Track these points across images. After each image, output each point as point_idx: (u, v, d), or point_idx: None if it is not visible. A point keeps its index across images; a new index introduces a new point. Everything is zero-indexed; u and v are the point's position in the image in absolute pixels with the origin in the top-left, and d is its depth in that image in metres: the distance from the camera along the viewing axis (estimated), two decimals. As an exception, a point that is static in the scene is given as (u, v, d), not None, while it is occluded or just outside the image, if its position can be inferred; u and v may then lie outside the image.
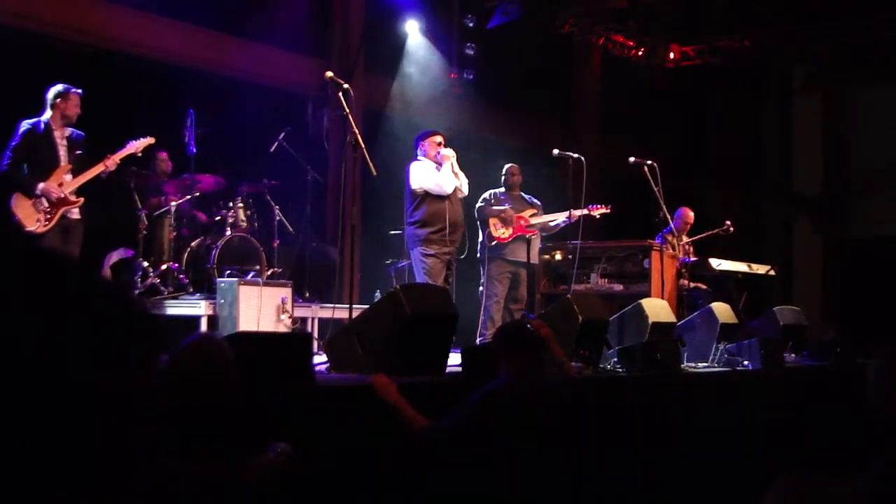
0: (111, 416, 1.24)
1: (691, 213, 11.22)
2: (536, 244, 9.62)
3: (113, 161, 7.87)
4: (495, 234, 9.37)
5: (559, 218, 9.65)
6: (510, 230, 9.41)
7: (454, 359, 6.26)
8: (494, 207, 9.51)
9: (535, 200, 9.79)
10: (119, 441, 1.26)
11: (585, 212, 9.61)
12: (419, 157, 8.68)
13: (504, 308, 9.29)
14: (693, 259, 10.59)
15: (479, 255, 9.45)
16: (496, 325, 8.85)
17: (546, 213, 9.71)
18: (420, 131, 9.13)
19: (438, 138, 8.73)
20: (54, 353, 1.19)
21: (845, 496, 2.39)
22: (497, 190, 9.73)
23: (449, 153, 8.57)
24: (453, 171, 8.56)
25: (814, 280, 18.47)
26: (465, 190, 8.81)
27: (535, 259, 9.57)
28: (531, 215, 9.57)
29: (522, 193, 9.81)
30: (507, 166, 9.90)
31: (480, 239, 9.48)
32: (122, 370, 1.26)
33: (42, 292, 1.21)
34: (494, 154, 10.88)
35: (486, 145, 12.29)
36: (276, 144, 9.66)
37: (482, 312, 9.29)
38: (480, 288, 9.49)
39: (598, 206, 9.79)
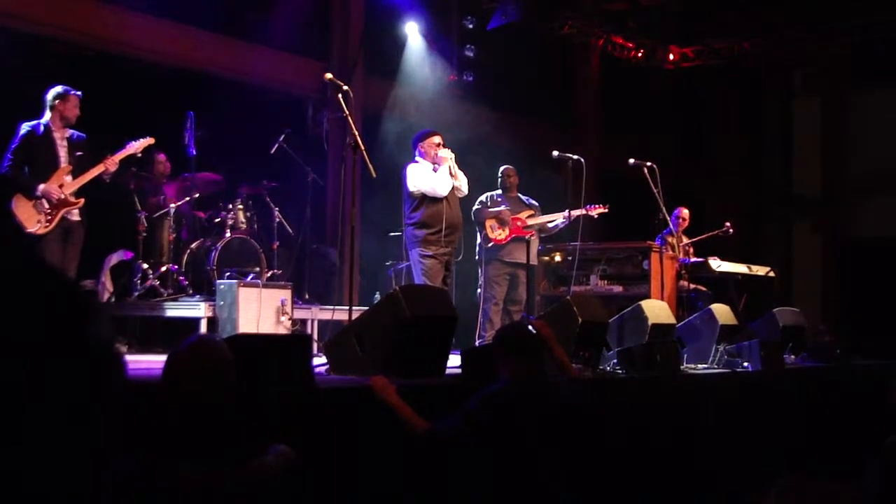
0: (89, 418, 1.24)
1: (686, 211, 11.24)
2: (535, 245, 9.60)
3: (112, 161, 7.87)
4: (492, 235, 9.35)
5: (557, 218, 9.64)
6: (506, 231, 9.39)
7: (454, 360, 6.26)
8: (490, 209, 9.49)
9: (533, 202, 9.78)
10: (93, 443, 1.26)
11: (583, 212, 9.60)
12: (417, 159, 8.63)
13: (503, 310, 9.28)
14: (694, 260, 10.60)
15: (476, 257, 9.44)
16: (495, 327, 8.84)
17: (545, 214, 9.70)
18: (418, 132, 9.07)
19: (437, 139, 8.65)
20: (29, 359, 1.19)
21: (845, 497, 2.40)
22: (494, 192, 9.72)
23: (447, 154, 8.51)
24: (452, 172, 8.51)
25: (813, 281, 18.46)
26: (465, 189, 8.77)
27: (533, 260, 9.55)
28: (528, 216, 9.55)
29: (520, 195, 9.80)
30: (503, 168, 9.89)
31: (478, 241, 9.47)
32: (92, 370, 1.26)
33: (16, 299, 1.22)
34: (494, 156, 10.87)
35: (486, 147, 12.28)
36: (275, 146, 9.65)
37: (480, 314, 9.28)
38: (479, 290, 9.48)
39: (596, 205, 9.77)
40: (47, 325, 1.24)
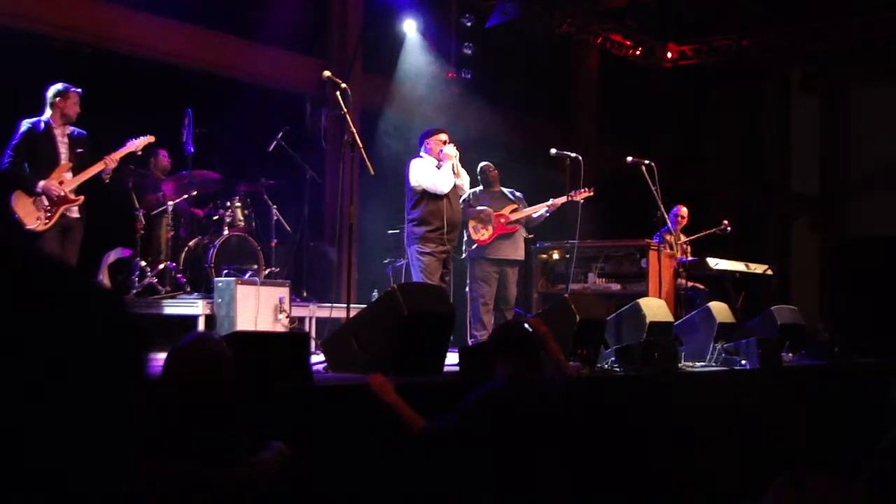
0: (107, 418, 1.25)
1: (685, 210, 11.22)
2: (521, 239, 9.53)
3: (112, 159, 7.86)
4: (475, 236, 9.23)
5: (541, 209, 9.55)
6: (489, 231, 9.29)
7: (451, 358, 6.26)
8: (472, 209, 9.35)
9: (517, 193, 9.65)
10: (118, 439, 1.27)
11: (566, 199, 9.51)
12: (422, 154, 8.61)
13: (495, 308, 9.19)
14: (691, 258, 10.59)
15: (462, 255, 9.35)
16: (485, 327, 8.83)
17: (530, 206, 9.59)
18: (426, 128, 8.99)
19: (443, 136, 8.61)
20: (51, 355, 1.20)
21: (843, 496, 2.40)
22: (476, 189, 9.59)
23: (451, 152, 8.47)
24: (454, 171, 8.49)
25: (811, 279, 18.48)
26: (467, 188, 8.76)
27: (520, 255, 9.47)
28: (512, 211, 9.46)
29: (503, 189, 9.67)
30: (481, 164, 9.72)
31: (465, 239, 9.38)
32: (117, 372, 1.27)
33: (37, 295, 1.22)
34: (492, 154, 10.85)
35: (484, 145, 12.29)
36: (274, 144, 9.65)
37: (469, 314, 9.19)
38: (467, 289, 9.40)
39: (581, 190, 9.59)
40: (78, 325, 1.24)
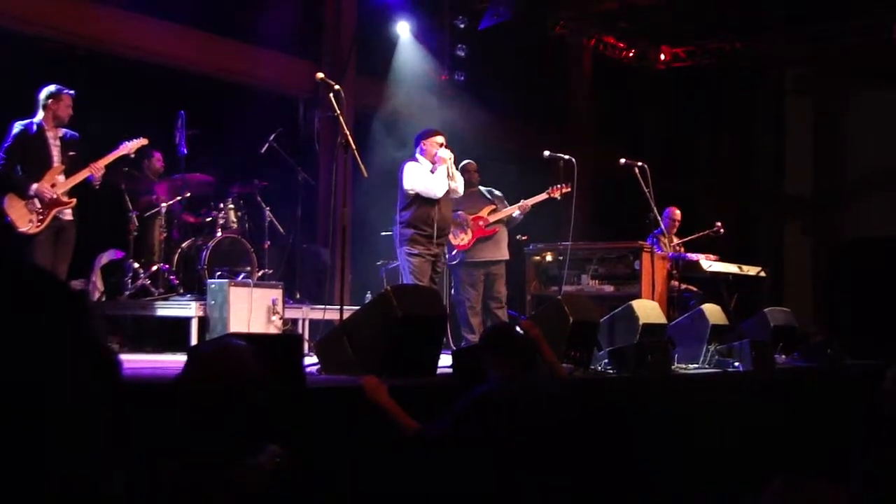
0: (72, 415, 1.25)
1: (678, 211, 11.22)
2: (504, 238, 9.44)
3: (97, 167, 7.79)
4: (455, 242, 9.12)
5: (515, 211, 9.45)
6: (469, 235, 9.20)
7: (444, 360, 6.26)
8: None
9: (496, 192, 9.56)
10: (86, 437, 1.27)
11: (545, 196, 9.43)
12: (417, 157, 8.54)
13: (484, 309, 9.14)
14: (687, 255, 10.57)
15: (446, 257, 9.24)
16: (473, 330, 8.80)
17: (511, 206, 9.47)
18: (422, 129, 8.89)
19: (440, 138, 8.49)
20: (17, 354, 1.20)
21: (837, 499, 2.40)
22: None
23: (446, 155, 8.36)
24: (450, 173, 8.40)
25: (804, 281, 18.49)
26: (462, 191, 8.65)
27: (504, 254, 9.40)
28: (490, 212, 9.40)
29: (481, 188, 9.57)
30: (463, 163, 9.49)
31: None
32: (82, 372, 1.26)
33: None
34: (484, 156, 10.84)
35: (477, 147, 12.28)
36: (266, 146, 9.65)
37: (459, 318, 9.14)
38: (451, 292, 9.38)
39: (559, 186, 9.48)
40: (41, 325, 1.24)
